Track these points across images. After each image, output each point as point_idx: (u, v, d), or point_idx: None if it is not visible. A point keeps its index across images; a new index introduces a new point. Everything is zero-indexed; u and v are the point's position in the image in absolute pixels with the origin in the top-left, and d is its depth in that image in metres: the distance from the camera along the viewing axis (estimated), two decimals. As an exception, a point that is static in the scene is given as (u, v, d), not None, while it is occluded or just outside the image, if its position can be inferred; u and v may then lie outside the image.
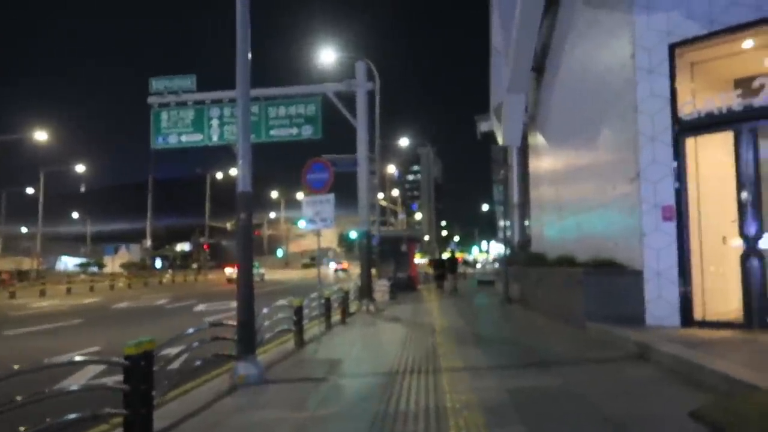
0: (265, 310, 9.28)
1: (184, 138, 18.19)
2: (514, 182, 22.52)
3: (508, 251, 19.74)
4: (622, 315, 9.17)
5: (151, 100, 18.15)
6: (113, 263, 77.08)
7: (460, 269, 33.51)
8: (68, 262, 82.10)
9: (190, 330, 6.86)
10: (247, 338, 7.02)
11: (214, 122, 18.00)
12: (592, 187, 12.25)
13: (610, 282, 9.59)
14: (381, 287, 20.53)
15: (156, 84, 18.00)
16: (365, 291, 17.18)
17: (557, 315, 11.92)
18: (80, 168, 48.74)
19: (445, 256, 31.64)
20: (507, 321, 13.69)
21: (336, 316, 13.89)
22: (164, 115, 18.17)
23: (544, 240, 16.49)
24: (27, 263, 50.76)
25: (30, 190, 53.79)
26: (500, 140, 18.61)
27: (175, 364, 6.57)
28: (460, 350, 8.84)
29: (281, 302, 10.48)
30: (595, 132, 11.62)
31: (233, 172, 70.22)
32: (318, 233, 12.26)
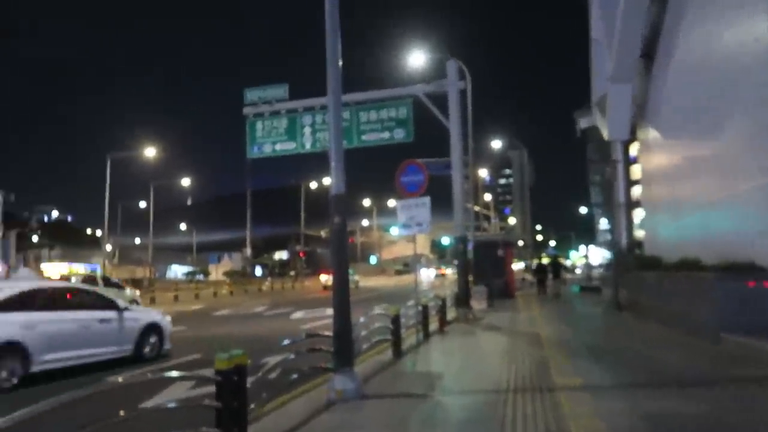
0: (361, 319, 8.91)
1: (278, 146, 18.44)
2: (619, 181, 20.93)
3: (614, 255, 18.29)
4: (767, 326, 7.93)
5: (246, 110, 18.57)
6: (217, 271, 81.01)
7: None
8: (177, 271, 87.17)
9: (286, 341, 6.58)
10: (344, 350, 6.63)
11: (307, 130, 18.10)
12: (717, 181, 10.90)
13: (750, 288, 8.35)
14: (478, 294, 19.72)
15: (250, 94, 18.40)
16: (462, 298, 16.49)
17: (679, 324, 10.68)
18: (185, 181, 51.55)
19: (545, 260, 30.21)
20: (621, 331, 12.52)
21: (433, 325, 13.35)
22: (258, 125, 18.53)
23: (658, 241, 15.06)
24: (140, 272, 54.35)
25: (142, 204, 57.66)
26: (605, 135, 17.31)
27: (272, 375, 6.30)
28: (574, 364, 7.99)
29: (377, 311, 10.07)
30: (721, 118, 10.32)
31: (326, 181, 71.85)
32: (413, 239, 11.79)
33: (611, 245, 18.48)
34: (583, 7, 19.06)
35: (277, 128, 18.40)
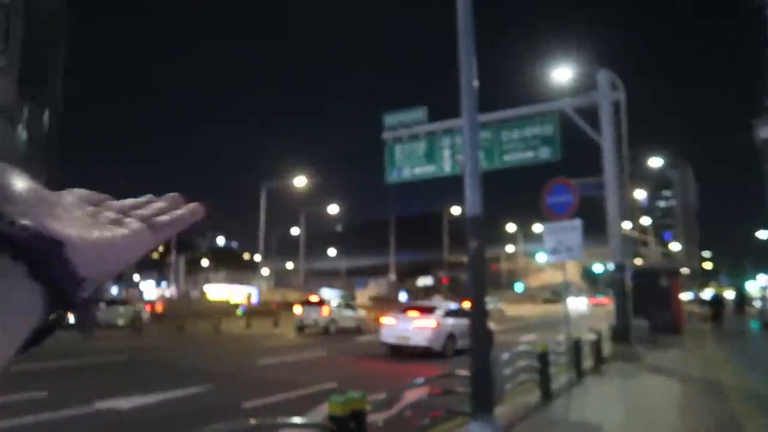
0: (505, 356, 8.01)
1: (417, 170, 18.13)
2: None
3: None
4: None
5: (385, 135, 18.56)
6: (363, 296, 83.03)
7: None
8: (327, 295, 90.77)
9: (419, 380, 5.94)
10: (482, 392, 5.81)
11: (446, 152, 17.56)
12: None
13: None
14: (639, 329, 17.60)
15: (389, 119, 18.37)
16: (621, 333, 14.69)
17: None
18: (333, 209, 53.72)
19: (716, 292, 26.53)
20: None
21: (587, 362, 11.92)
22: (397, 149, 18.38)
23: None
24: (291, 295, 57.25)
25: (295, 231, 61.04)
26: None
27: (405, 412, 5.68)
28: (776, 426, 6.38)
29: (522, 347, 9.06)
30: None
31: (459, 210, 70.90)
32: (562, 266, 10.64)
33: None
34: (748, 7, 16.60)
35: (416, 152, 18.11)
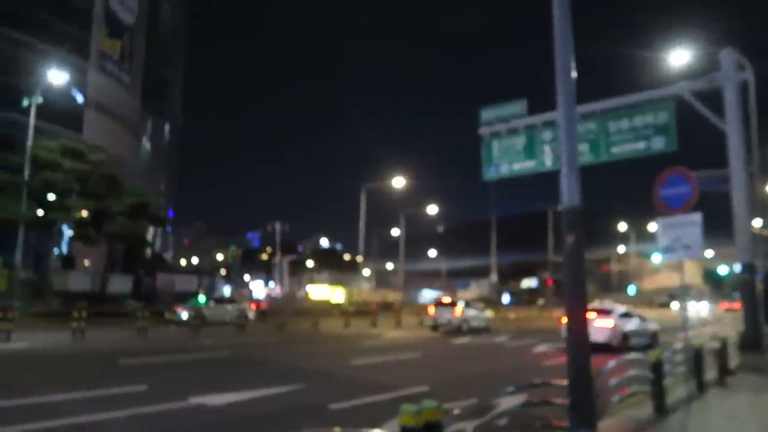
0: (611, 364, 7.22)
1: (516, 166, 17.24)
2: None
3: None
4: None
5: (482, 131, 17.83)
6: (463, 297, 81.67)
7: None
8: (428, 296, 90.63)
9: (510, 388, 5.41)
10: (582, 405, 5.17)
11: (546, 147, 16.54)
12: None
13: None
14: (773, 337, 15.63)
15: (485, 114, 17.63)
16: (751, 341, 13.04)
17: None
18: (432, 209, 53.32)
19: None
20: None
21: (710, 374, 10.65)
22: (495, 145, 17.59)
23: None
24: (391, 296, 57.50)
25: (395, 231, 61.31)
26: None
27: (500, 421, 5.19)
28: None
29: (633, 355, 8.15)
30: None
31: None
32: (679, 266, 9.53)
33: None
34: None
35: (515, 146, 17.21)
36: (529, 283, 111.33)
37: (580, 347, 5.19)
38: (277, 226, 63.64)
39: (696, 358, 9.73)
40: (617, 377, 7.51)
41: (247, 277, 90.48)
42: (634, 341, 17.66)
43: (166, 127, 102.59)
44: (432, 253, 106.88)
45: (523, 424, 5.47)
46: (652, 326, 19.48)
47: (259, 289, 68.89)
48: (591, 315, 16.31)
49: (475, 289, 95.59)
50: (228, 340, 18.45)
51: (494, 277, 50.32)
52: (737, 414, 7.75)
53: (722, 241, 16.92)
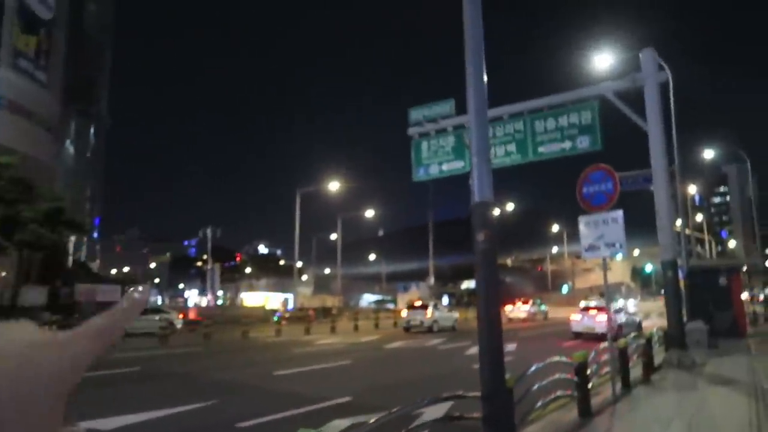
0: (533, 368, 6.90)
1: (444, 167, 16.93)
2: None
3: None
4: None
5: (411, 131, 17.42)
6: (403, 300, 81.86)
7: None
8: (369, 299, 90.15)
9: (426, 400, 4.94)
10: (498, 416, 4.74)
11: (475, 146, 16.35)
12: None
13: None
14: (695, 333, 16.00)
15: (414, 114, 17.24)
16: (675, 338, 13.19)
17: None
18: (371, 213, 52.95)
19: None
20: None
21: (636, 371, 10.60)
22: (424, 145, 17.22)
23: None
24: (330, 301, 56.72)
25: (333, 236, 60.54)
26: None
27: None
28: None
29: (557, 358, 7.87)
30: None
31: (509, 206, 68.89)
32: (604, 263, 9.39)
33: None
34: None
35: (444, 147, 16.90)
36: (468, 284, 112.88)
37: (493, 353, 4.76)
38: (209, 232, 61.50)
39: (622, 357, 9.63)
40: (542, 381, 7.22)
41: (182, 285, 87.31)
42: (626, 330, 20.65)
43: (92, 130, 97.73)
44: (372, 257, 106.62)
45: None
46: (638, 318, 25.67)
47: (193, 297, 66.50)
48: (593, 312, 22.88)
49: (416, 292, 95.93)
50: (146, 353, 17.26)
51: (431, 280, 50.39)
52: (662, 414, 7.59)
53: (651, 240, 17.25)
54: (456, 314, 30.99)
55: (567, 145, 15.23)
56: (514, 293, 77.92)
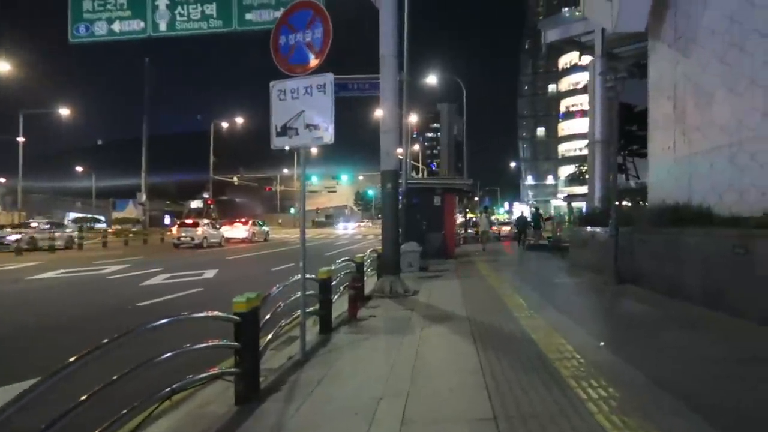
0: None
1: (116, 26, 12.01)
2: (596, 111, 16.20)
3: (598, 206, 13.63)
4: None
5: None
6: (117, 219, 72.43)
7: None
8: (72, 217, 77.97)
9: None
10: None
11: (161, 1, 11.82)
12: None
13: None
14: (409, 255, 14.74)
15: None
16: (389, 263, 11.25)
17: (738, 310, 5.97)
18: (64, 111, 43.19)
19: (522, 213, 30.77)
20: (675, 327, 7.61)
21: (341, 307, 8.19)
22: (86, -7, 12.02)
23: (679, 186, 10.38)
24: (4, 218, 45.83)
25: (20, 140, 48.18)
26: (610, 25, 12.26)
27: None
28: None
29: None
30: None
31: (239, 120, 64.29)
32: (302, 159, 6.33)
33: (610, 193, 13.65)
34: None
35: (115, -1, 11.99)
36: (197, 204, 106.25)
37: None
38: None
39: (322, 291, 6.95)
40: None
41: None
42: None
43: None
44: (80, 169, 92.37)
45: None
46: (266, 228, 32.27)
47: None
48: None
49: (132, 210, 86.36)
50: None
51: (143, 197, 43.83)
52: (364, 378, 4.98)
53: (372, 167, 15.17)
54: (223, 232, 34.26)
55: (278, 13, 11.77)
56: (245, 213, 74.92)
